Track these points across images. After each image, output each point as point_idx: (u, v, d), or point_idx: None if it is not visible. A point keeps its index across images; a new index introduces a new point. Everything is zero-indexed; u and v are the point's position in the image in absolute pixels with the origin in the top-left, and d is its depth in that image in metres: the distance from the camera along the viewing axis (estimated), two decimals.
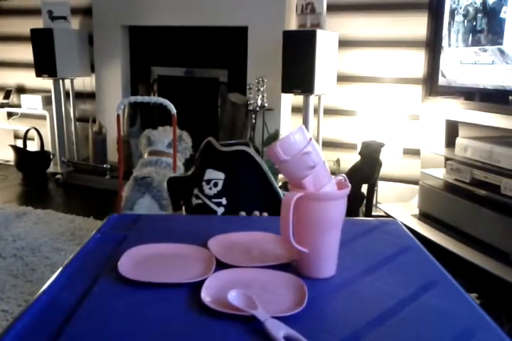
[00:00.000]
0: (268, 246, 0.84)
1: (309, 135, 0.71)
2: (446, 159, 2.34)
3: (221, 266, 0.74)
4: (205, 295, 0.65)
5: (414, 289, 0.70)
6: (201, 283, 0.68)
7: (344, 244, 0.79)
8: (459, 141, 2.25)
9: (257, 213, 1.16)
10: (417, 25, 2.76)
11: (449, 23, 2.33)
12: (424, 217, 2.44)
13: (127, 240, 0.86)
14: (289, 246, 0.73)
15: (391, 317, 0.62)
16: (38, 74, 3.39)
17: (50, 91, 3.54)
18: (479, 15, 2.13)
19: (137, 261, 0.76)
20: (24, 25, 3.71)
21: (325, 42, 2.63)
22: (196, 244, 0.83)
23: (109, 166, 3.28)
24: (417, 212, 2.51)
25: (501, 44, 2.01)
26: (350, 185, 0.73)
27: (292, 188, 0.72)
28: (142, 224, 0.95)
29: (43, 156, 3.62)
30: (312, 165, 0.69)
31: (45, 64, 3.34)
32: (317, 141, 2.89)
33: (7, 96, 3.95)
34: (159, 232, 0.91)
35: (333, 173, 0.74)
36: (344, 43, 2.92)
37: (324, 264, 0.74)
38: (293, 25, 2.89)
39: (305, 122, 2.72)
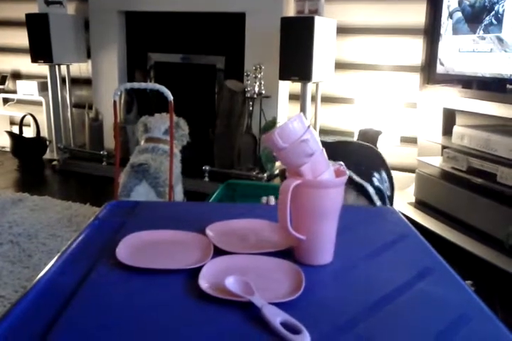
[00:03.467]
0: (266, 233, 0.84)
1: (308, 122, 0.71)
2: (443, 147, 2.34)
3: (219, 252, 0.75)
4: (203, 281, 0.65)
5: (411, 276, 0.70)
6: (199, 269, 0.68)
7: (341, 231, 0.79)
8: (456, 129, 2.25)
9: None
10: (415, 12, 2.75)
11: (448, 11, 2.32)
12: (420, 204, 2.45)
13: (125, 227, 0.87)
14: (286, 233, 0.73)
15: (387, 303, 0.63)
16: (34, 60, 3.35)
17: (46, 77, 3.51)
18: (478, 3, 2.12)
19: (135, 248, 0.77)
20: (19, 10, 3.67)
21: (323, 28, 2.61)
22: (194, 231, 0.83)
23: (105, 153, 3.27)
24: (413, 200, 2.52)
25: (500, 32, 2.00)
26: (348, 172, 0.73)
27: (290, 176, 0.72)
28: (140, 210, 0.95)
29: (39, 142, 3.60)
30: (310, 152, 0.69)
31: (40, 49, 3.31)
32: (314, 128, 2.88)
33: (2, 81, 3.91)
34: (157, 219, 0.91)
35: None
36: (342, 30, 2.90)
37: (321, 251, 0.74)
38: (291, 11, 2.86)
39: (302, 110, 2.72)
